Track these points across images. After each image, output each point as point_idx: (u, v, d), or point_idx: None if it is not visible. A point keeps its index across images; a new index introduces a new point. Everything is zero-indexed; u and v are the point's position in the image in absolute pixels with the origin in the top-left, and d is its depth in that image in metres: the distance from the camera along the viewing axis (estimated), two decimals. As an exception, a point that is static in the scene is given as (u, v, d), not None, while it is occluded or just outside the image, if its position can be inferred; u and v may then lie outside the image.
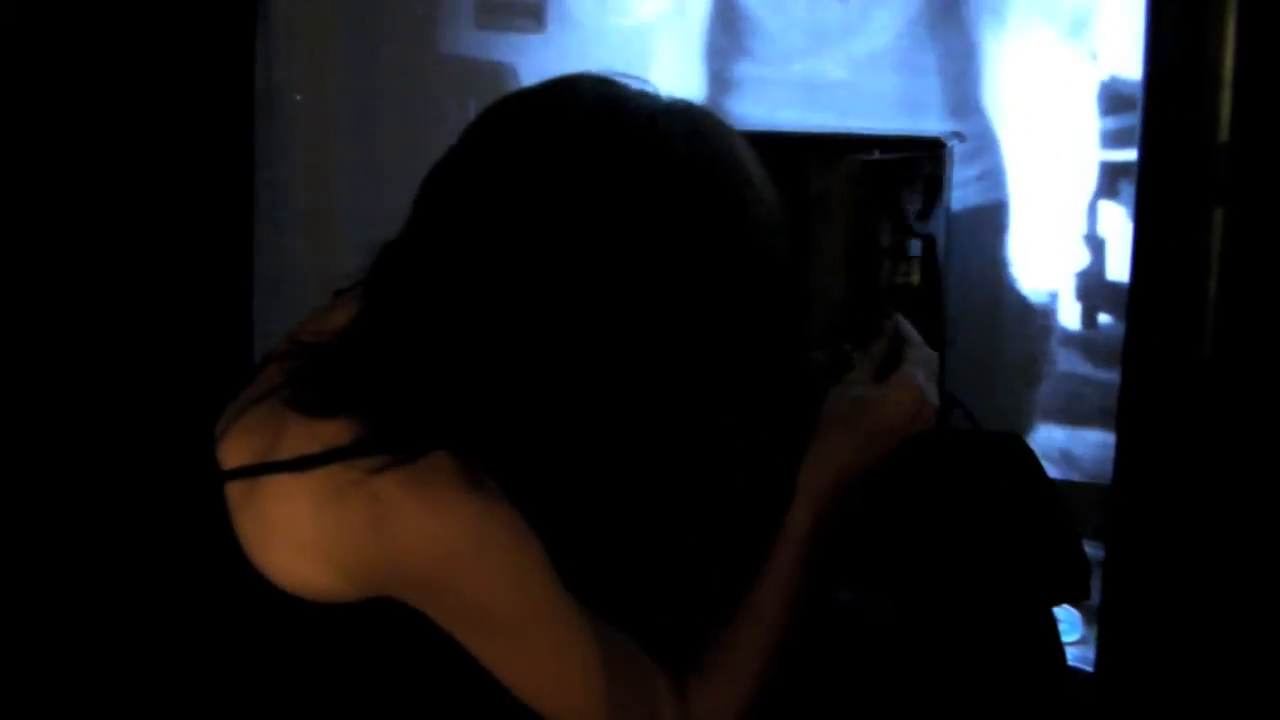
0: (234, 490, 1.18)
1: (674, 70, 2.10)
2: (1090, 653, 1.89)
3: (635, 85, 1.20)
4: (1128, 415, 1.08)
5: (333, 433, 1.14)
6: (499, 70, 2.24)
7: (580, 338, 1.13)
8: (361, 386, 1.16)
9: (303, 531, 1.14)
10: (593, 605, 1.19)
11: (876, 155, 1.53)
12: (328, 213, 2.33)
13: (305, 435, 1.15)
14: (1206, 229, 0.98)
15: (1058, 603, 1.48)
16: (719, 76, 2.09)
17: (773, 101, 2.04)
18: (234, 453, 1.20)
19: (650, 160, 1.14)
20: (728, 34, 2.09)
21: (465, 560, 1.13)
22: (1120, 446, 1.09)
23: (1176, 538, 1.05)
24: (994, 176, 1.91)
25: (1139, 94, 1.77)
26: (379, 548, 1.12)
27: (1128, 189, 1.84)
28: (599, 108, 1.16)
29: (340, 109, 2.29)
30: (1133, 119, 1.80)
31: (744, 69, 2.07)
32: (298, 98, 2.25)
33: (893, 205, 1.53)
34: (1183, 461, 1.04)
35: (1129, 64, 1.83)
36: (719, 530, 1.36)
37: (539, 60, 2.21)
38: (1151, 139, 1.02)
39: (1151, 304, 1.02)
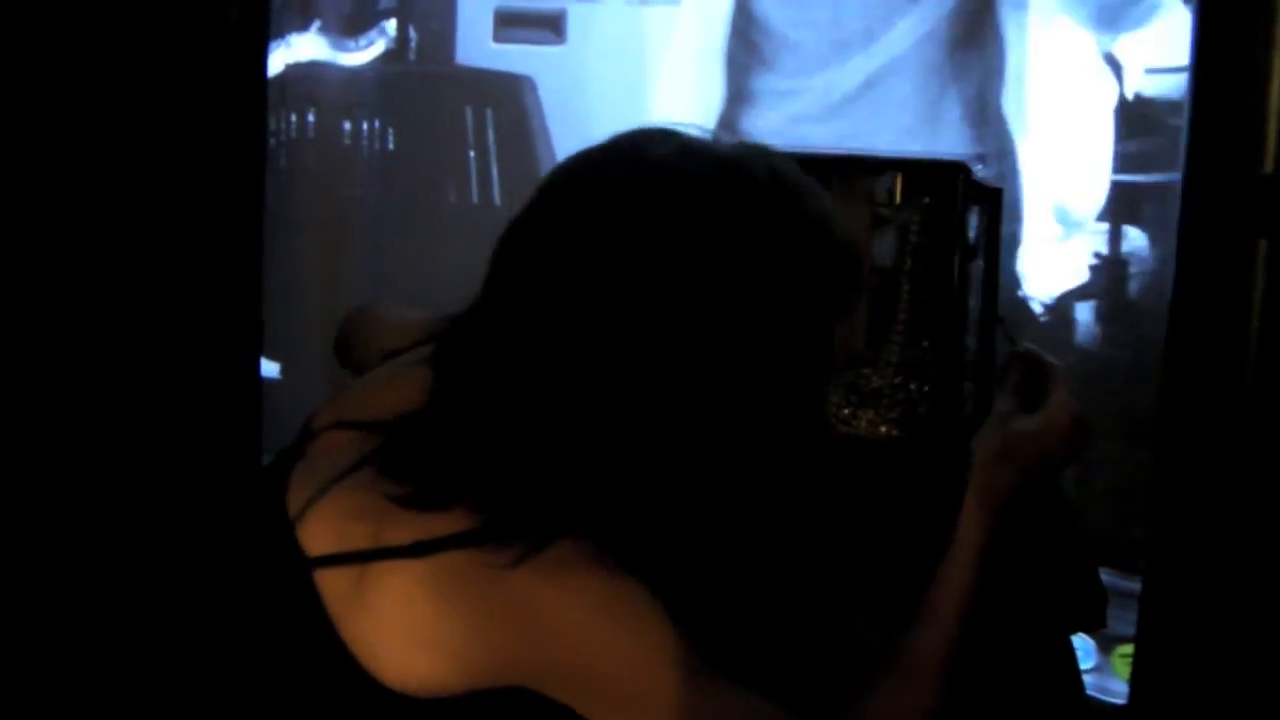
0: (330, 580, 1.11)
1: (693, 82, 2.09)
2: (1106, 681, 1.89)
3: (695, 132, 1.14)
4: (1167, 445, 1.06)
5: (442, 521, 1.09)
6: (518, 82, 2.23)
7: (689, 400, 1.09)
8: (474, 477, 1.10)
9: (423, 624, 1.08)
10: (722, 666, 1.16)
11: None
12: (340, 217, 2.33)
13: (413, 523, 1.09)
14: (1250, 260, 0.96)
15: (1075, 631, 1.47)
16: (738, 89, 2.08)
17: (792, 113, 2.03)
18: (322, 538, 1.13)
19: (736, 214, 1.09)
20: (746, 46, 2.09)
21: (612, 644, 1.08)
22: (1158, 476, 1.07)
23: (1215, 567, 1.03)
24: (1010, 195, 1.90)
25: (1163, 116, 1.79)
26: (518, 641, 1.07)
27: (1149, 211, 1.84)
28: (673, 166, 1.11)
29: (355, 122, 2.29)
30: (1155, 142, 1.80)
31: (763, 81, 2.06)
32: (310, 111, 2.25)
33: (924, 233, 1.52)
34: (1222, 491, 1.02)
35: (1153, 86, 1.82)
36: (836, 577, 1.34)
37: (558, 72, 2.20)
38: (1195, 169, 1.01)
39: (1193, 335, 1.00)
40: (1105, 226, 1.88)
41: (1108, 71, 1.86)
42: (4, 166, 2.09)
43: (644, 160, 1.11)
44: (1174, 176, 1.78)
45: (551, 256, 1.11)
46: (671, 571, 1.12)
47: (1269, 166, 0.96)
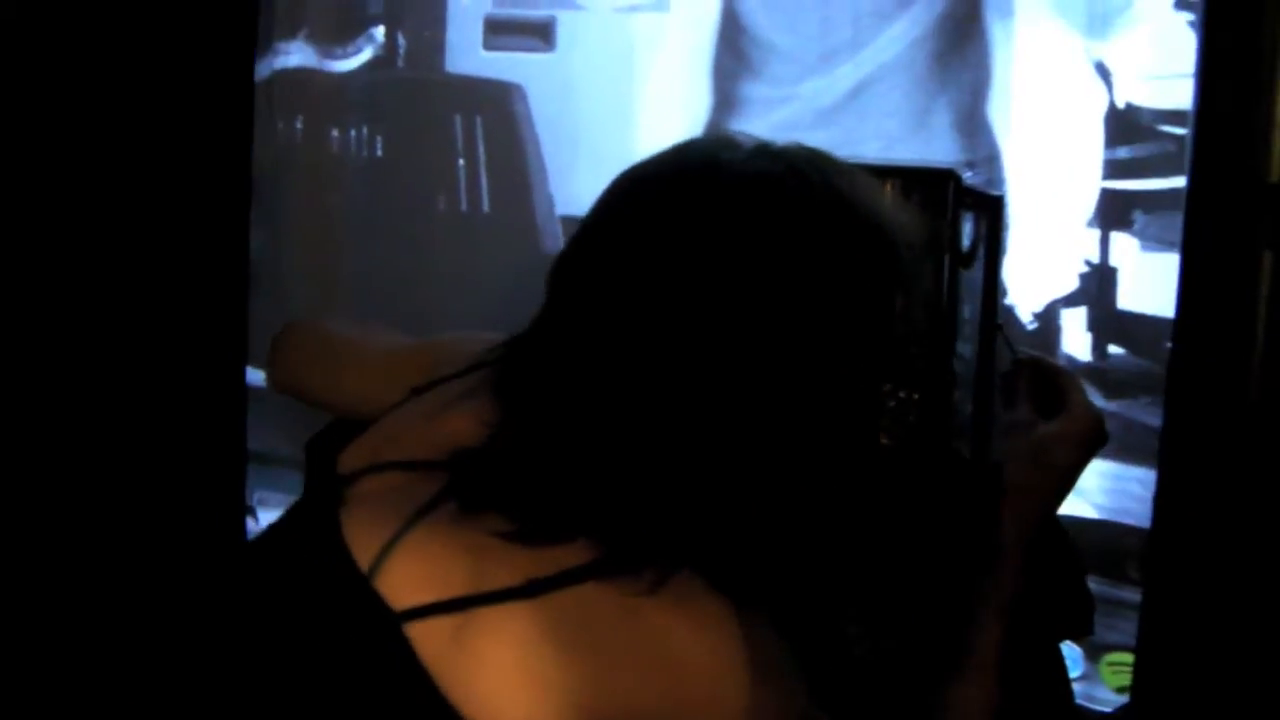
0: (424, 632, 1.04)
1: (681, 90, 2.09)
2: (1093, 689, 1.90)
3: (748, 141, 1.13)
4: (1171, 456, 1.07)
5: (557, 555, 1.03)
6: (507, 89, 2.23)
7: (790, 399, 1.07)
8: (594, 504, 1.05)
9: (542, 667, 1.01)
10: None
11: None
12: (327, 224, 2.32)
13: (524, 560, 1.03)
14: (1255, 272, 0.97)
15: (1064, 639, 1.48)
16: (725, 96, 2.09)
17: (780, 121, 2.03)
18: (410, 588, 1.05)
19: (821, 215, 1.08)
20: (734, 53, 2.09)
21: (743, 678, 1.04)
22: (1162, 487, 1.08)
23: (1216, 577, 1.03)
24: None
25: (1156, 123, 1.79)
26: (644, 678, 1.02)
27: (1140, 219, 1.84)
28: (750, 169, 1.10)
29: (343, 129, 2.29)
30: (1147, 149, 1.81)
31: (750, 89, 2.07)
32: (298, 118, 2.24)
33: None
34: (1225, 501, 1.03)
35: (1144, 93, 1.83)
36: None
37: (548, 80, 2.21)
38: (1201, 179, 1.01)
39: (1197, 346, 1.01)
40: (1096, 233, 1.89)
41: (1096, 77, 1.87)
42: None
43: (718, 164, 1.09)
44: (1167, 184, 1.81)
45: (635, 266, 1.07)
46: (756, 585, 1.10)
47: (1275, 176, 0.97)
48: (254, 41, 2.19)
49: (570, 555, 1.04)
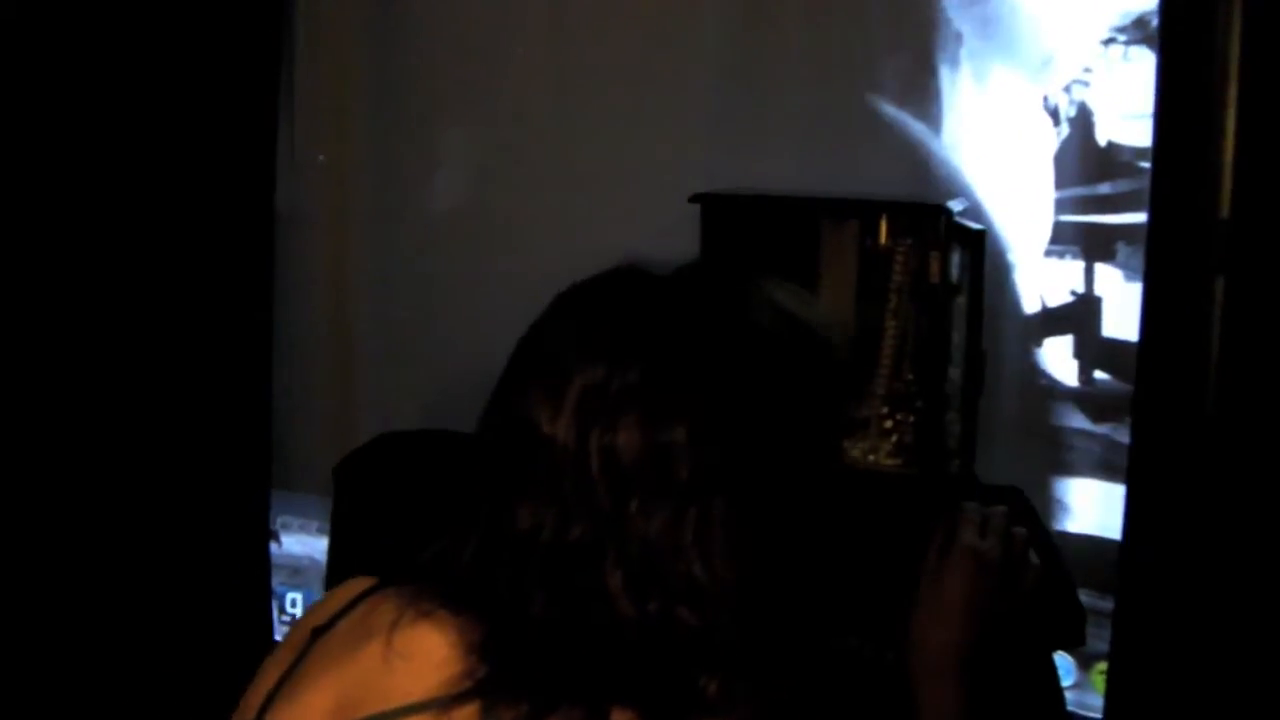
0: None
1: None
2: (1085, 697, 1.95)
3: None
4: (1137, 468, 1.14)
5: None
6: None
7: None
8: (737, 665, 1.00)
9: None
10: None
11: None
12: (347, 215, 2.36)
13: None
14: (1209, 295, 1.04)
15: (1057, 649, 1.53)
16: (699, 144, 2.14)
17: (754, 164, 2.08)
18: None
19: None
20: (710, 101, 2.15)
21: None
22: (1130, 499, 1.15)
23: (1184, 583, 1.10)
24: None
25: (1136, 160, 1.86)
26: None
27: (1123, 250, 1.89)
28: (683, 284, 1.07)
29: (361, 118, 2.33)
30: (1128, 184, 1.87)
31: (721, 131, 2.12)
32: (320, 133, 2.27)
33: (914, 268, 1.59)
34: (1187, 512, 1.10)
35: (1127, 132, 1.88)
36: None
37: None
38: (1160, 214, 1.09)
39: (1158, 364, 1.08)
40: (1081, 265, 1.94)
41: (1047, 119, 1.94)
42: (12, 170, 2.13)
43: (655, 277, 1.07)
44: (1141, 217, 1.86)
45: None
46: None
47: (1225, 213, 1.04)
48: (280, 38, 2.21)
49: None
